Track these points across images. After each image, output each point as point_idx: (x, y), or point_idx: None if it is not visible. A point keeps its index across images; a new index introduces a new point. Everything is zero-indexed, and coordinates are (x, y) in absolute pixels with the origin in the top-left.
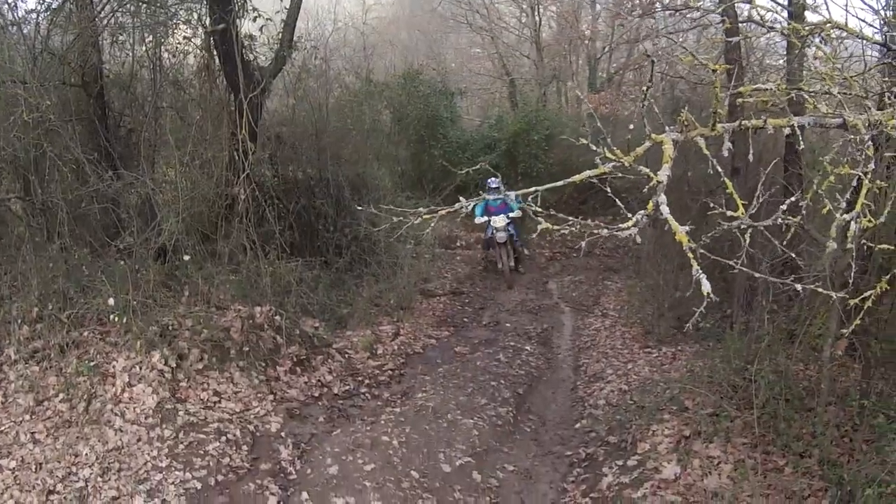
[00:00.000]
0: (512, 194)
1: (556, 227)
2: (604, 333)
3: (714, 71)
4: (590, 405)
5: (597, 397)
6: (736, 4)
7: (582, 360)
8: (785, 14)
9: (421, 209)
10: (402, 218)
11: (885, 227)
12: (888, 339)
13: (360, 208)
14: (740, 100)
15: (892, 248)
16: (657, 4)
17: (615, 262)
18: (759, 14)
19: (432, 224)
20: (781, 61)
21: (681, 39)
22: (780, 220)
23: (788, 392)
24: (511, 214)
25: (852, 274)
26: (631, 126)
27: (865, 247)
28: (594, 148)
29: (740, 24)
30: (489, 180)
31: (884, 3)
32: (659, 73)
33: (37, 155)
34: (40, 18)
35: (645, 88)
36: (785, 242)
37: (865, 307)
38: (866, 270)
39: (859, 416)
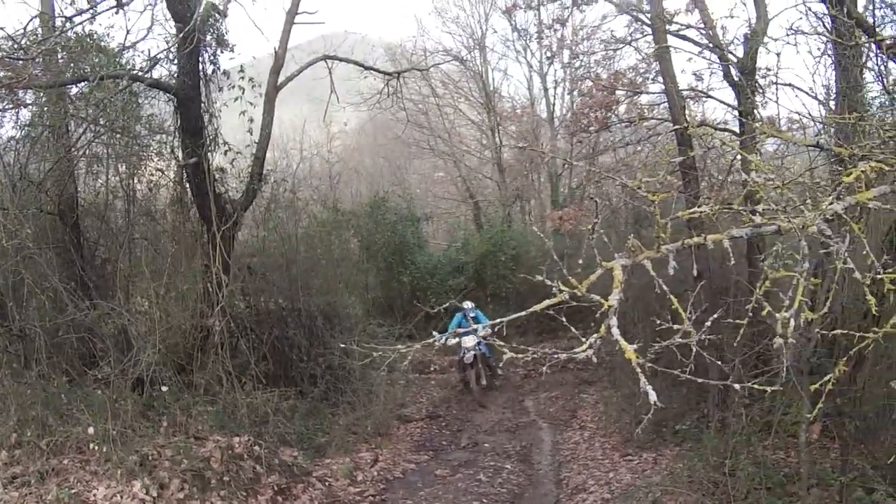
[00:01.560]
0: (478, 312)
1: (519, 356)
2: (583, 445)
3: (653, 202)
4: None
5: None
6: (688, 111)
7: (563, 474)
8: (735, 113)
9: (400, 347)
10: (380, 354)
11: (844, 311)
12: (862, 417)
13: (342, 345)
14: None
15: (848, 332)
16: (613, 117)
17: (589, 375)
18: (705, 126)
19: (409, 357)
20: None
21: (638, 149)
22: (705, 336)
23: (769, 481)
24: (480, 333)
25: (816, 359)
26: (581, 258)
27: (829, 334)
28: (549, 283)
29: (695, 129)
30: (466, 304)
31: (823, 97)
32: (619, 186)
33: (15, 281)
34: (19, 146)
35: (592, 226)
36: (752, 338)
37: (838, 389)
38: (832, 354)
39: (840, 493)
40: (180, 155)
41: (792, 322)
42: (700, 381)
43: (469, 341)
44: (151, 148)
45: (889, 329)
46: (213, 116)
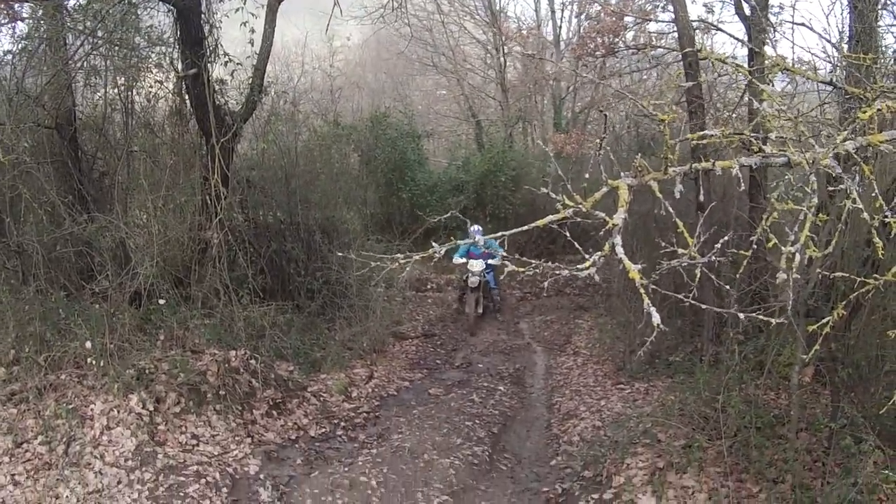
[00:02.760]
0: (491, 241)
1: (521, 269)
2: (576, 371)
3: (662, 121)
4: (564, 442)
5: (571, 434)
6: (697, 41)
7: (555, 399)
8: (745, 50)
9: (399, 256)
10: (377, 263)
11: (844, 256)
12: (854, 364)
13: (340, 254)
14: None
15: (849, 276)
16: (620, 44)
17: (585, 301)
18: (715, 53)
19: (406, 269)
20: (746, 97)
21: (644, 77)
22: (715, 258)
23: (759, 420)
24: (491, 261)
25: (813, 302)
26: (587, 174)
27: (830, 276)
28: (553, 196)
29: (701, 61)
30: (472, 228)
31: (836, 40)
32: (623, 112)
33: (12, 196)
34: (15, 60)
35: (600, 139)
36: (751, 274)
37: (832, 334)
38: (829, 298)
39: (828, 440)
40: (180, 66)
41: (798, 257)
42: (704, 306)
43: (476, 266)
44: (150, 60)
45: (890, 277)
46: (213, 27)
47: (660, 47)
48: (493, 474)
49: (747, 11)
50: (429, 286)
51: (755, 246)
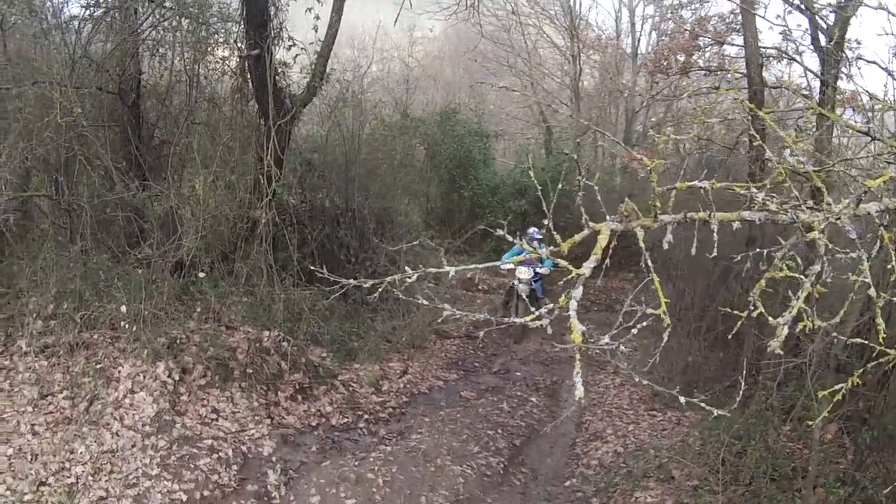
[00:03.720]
0: (546, 250)
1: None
2: (612, 392)
3: (650, 170)
4: (583, 464)
5: (591, 457)
6: (768, 69)
7: (585, 417)
8: (817, 83)
9: (452, 269)
10: (422, 270)
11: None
12: (882, 427)
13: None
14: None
15: (869, 343)
16: (694, 63)
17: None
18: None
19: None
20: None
21: (720, 100)
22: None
23: (776, 472)
24: (540, 270)
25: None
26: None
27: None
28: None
29: (772, 90)
30: (531, 230)
31: None
32: (691, 135)
33: (67, 157)
34: (82, 25)
35: (579, 179)
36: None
37: (862, 393)
38: (863, 355)
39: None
40: (244, 46)
41: (786, 329)
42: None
43: (524, 274)
44: (219, 36)
45: None
46: (278, 10)
47: (733, 71)
48: (505, 487)
49: (823, 44)
50: (479, 287)
51: (752, 308)
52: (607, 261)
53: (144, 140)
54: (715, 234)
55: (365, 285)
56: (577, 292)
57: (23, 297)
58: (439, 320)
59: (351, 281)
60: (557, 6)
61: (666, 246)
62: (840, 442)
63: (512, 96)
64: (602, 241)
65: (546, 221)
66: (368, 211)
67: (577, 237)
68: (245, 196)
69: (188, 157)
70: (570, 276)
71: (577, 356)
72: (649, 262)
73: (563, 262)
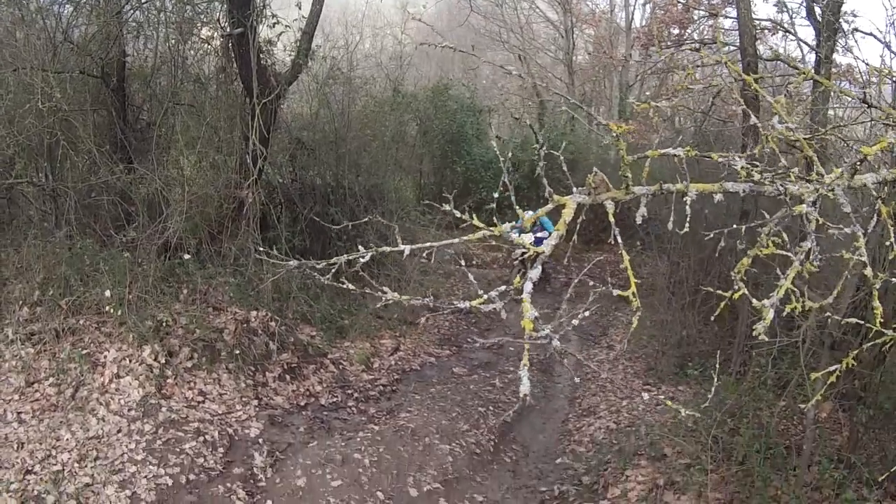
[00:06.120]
0: (546, 222)
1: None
2: (606, 366)
3: (617, 135)
4: (575, 441)
5: (584, 433)
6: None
7: (579, 392)
8: (812, 56)
9: (455, 240)
10: (379, 250)
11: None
12: (878, 406)
13: (385, 223)
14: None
15: (865, 323)
16: (687, 35)
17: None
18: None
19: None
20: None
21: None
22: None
23: (769, 450)
24: (541, 234)
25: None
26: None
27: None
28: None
29: (766, 63)
30: (528, 213)
31: None
32: (687, 108)
33: (51, 143)
34: (63, 9)
35: (536, 148)
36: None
37: (856, 371)
38: (859, 333)
39: (839, 485)
40: (227, 25)
41: (772, 312)
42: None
43: (526, 238)
44: (203, 15)
45: None
46: None
47: (727, 44)
48: (494, 465)
49: (818, 16)
50: (473, 261)
51: (735, 287)
52: (602, 234)
53: (130, 123)
54: (688, 208)
55: (318, 266)
56: (535, 272)
57: (8, 285)
58: (378, 305)
59: (306, 262)
60: None
61: (639, 220)
62: (835, 419)
63: (505, 72)
64: (566, 214)
65: (509, 193)
66: (360, 188)
67: (541, 211)
68: (231, 176)
69: (173, 139)
70: (529, 254)
71: (526, 346)
72: (619, 238)
73: (526, 241)
